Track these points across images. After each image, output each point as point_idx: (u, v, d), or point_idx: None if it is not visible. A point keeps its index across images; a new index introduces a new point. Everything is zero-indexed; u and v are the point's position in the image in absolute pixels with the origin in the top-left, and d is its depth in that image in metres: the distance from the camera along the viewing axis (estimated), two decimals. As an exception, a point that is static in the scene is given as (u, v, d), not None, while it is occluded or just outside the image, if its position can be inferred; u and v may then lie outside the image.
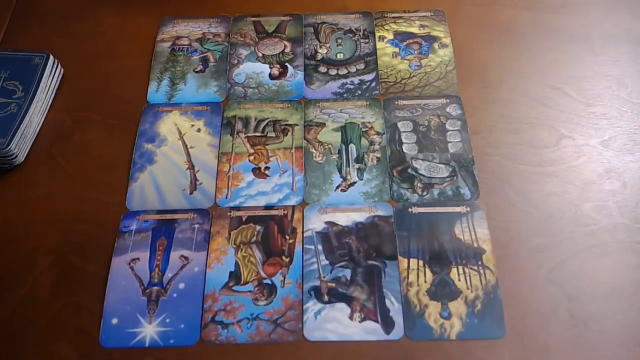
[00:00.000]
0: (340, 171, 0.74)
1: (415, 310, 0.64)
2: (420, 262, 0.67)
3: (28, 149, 0.77)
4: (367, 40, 0.86)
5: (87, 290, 0.67)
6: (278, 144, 0.77)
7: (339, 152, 0.76)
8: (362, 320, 0.64)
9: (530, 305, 0.64)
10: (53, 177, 0.75)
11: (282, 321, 0.64)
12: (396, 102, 0.79)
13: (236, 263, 0.68)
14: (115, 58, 0.86)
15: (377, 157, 0.75)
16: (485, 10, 0.88)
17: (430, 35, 0.86)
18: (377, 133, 0.77)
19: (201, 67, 0.84)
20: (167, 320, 0.64)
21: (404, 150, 0.76)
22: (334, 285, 0.66)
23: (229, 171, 0.75)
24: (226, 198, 0.73)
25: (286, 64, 0.84)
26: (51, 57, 0.81)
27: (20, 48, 0.83)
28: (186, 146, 0.77)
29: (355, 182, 0.73)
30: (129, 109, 0.80)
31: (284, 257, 0.68)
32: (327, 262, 0.67)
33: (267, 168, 0.75)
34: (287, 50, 0.86)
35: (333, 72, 0.83)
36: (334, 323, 0.64)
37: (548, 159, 0.74)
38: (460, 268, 0.66)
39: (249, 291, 0.66)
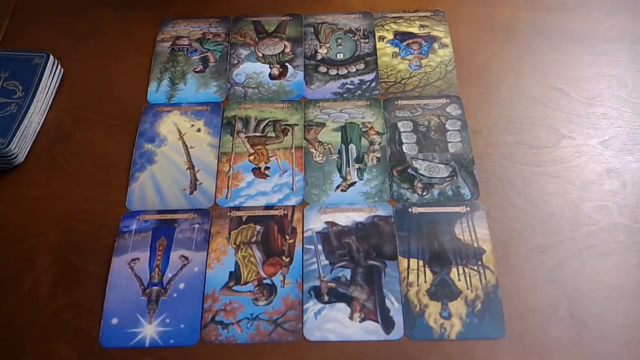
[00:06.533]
0: (340, 171, 0.74)
1: (415, 310, 0.64)
2: (420, 262, 0.67)
3: (28, 149, 0.77)
4: (367, 40, 0.86)
5: (87, 290, 0.67)
6: (278, 144, 0.77)
7: (339, 152, 0.76)
8: (362, 320, 0.64)
9: (530, 305, 0.64)
10: (53, 177, 0.75)
11: (282, 321, 0.64)
12: (396, 102, 0.79)
13: (236, 263, 0.68)
14: (115, 58, 0.86)
15: (377, 157, 0.75)
16: (486, 10, 0.88)
17: (430, 35, 0.86)
18: (377, 133, 0.77)
19: (201, 67, 0.84)
20: (167, 320, 0.64)
21: (404, 150, 0.76)
22: (334, 285, 0.66)
23: (229, 171, 0.75)
24: (226, 198, 0.73)
25: (286, 64, 0.84)
26: (51, 57, 0.81)
27: (20, 48, 0.83)
28: (186, 146, 0.77)
29: (355, 182, 0.73)
30: (129, 109, 0.80)
31: (284, 257, 0.68)
32: (327, 262, 0.67)
33: (267, 168, 0.75)
34: (287, 50, 0.86)
35: (333, 72, 0.83)
36: (334, 323, 0.64)
37: (548, 159, 0.74)
38: (460, 268, 0.66)
39: (249, 291, 0.66)
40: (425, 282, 0.66)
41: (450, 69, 0.82)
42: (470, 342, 0.62)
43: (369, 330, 0.63)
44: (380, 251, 0.68)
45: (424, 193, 0.72)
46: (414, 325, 0.63)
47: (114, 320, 0.65)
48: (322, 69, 0.83)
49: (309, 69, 0.84)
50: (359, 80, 0.82)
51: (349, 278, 0.66)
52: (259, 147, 0.77)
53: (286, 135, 0.77)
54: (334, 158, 0.75)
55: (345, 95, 0.81)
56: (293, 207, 0.72)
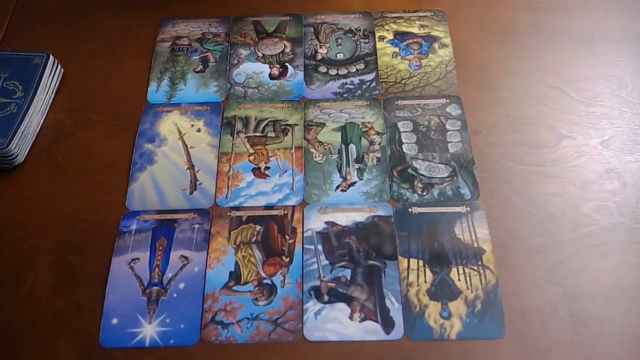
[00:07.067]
0: (340, 171, 0.74)
1: (415, 310, 0.64)
2: (420, 262, 0.67)
3: (28, 149, 0.77)
4: (367, 40, 0.86)
5: (87, 290, 0.67)
6: (278, 144, 0.77)
7: (339, 152, 0.76)
8: (362, 320, 0.64)
9: (530, 305, 0.64)
10: (53, 177, 0.75)
11: (282, 321, 0.64)
12: (396, 102, 0.79)
13: (236, 263, 0.68)
14: (115, 58, 0.86)
15: (377, 157, 0.75)
16: (485, 10, 0.88)
17: (430, 35, 0.86)
18: (377, 133, 0.77)
19: (201, 67, 0.84)
20: (167, 320, 0.64)
21: (404, 150, 0.76)
22: (334, 285, 0.66)
23: (229, 171, 0.75)
24: (226, 198, 0.73)
25: (286, 64, 0.84)
26: (51, 57, 0.81)
27: (20, 48, 0.83)
28: (186, 146, 0.77)
29: (355, 182, 0.73)
30: (129, 109, 0.80)
31: (284, 257, 0.68)
32: (327, 262, 0.67)
33: (267, 168, 0.75)
34: (287, 50, 0.86)
35: (333, 72, 0.83)
36: (334, 323, 0.64)
37: (548, 159, 0.74)
38: (460, 268, 0.66)
39: (249, 291, 0.66)
40: (425, 282, 0.66)
41: (450, 69, 0.82)
42: (470, 342, 0.62)
43: (369, 330, 0.63)
44: (380, 251, 0.68)
45: (424, 193, 0.72)
46: (414, 325, 0.63)
47: (114, 320, 0.65)
48: (322, 69, 0.83)
49: (309, 69, 0.84)
50: (359, 80, 0.82)
51: (349, 278, 0.66)
52: (259, 147, 0.77)
53: (286, 135, 0.77)
54: (334, 158, 0.75)
55: (345, 95, 0.81)
56: (293, 207, 0.72)
